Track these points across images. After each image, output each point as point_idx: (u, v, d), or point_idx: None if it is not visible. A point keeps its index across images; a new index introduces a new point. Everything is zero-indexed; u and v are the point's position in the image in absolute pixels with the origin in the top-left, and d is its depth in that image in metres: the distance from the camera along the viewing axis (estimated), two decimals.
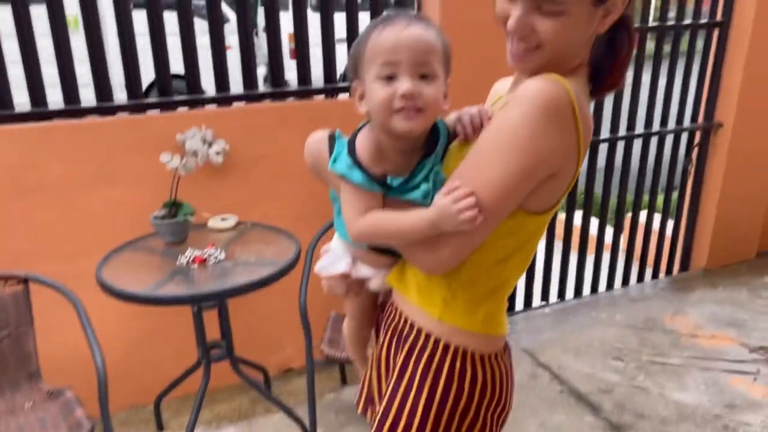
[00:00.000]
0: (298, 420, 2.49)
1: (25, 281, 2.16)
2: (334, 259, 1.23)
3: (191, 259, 2.20)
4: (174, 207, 2.33)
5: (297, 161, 2.76)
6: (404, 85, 0.98)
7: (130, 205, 2.45)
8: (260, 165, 2.63)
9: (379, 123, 1.03)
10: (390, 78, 0.99)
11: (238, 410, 2.75)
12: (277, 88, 2.65)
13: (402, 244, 1.08)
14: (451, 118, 1.14)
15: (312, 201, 2.75)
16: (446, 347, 1.11)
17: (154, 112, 2.48)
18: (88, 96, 2.43)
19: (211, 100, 2.54)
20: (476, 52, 2.78)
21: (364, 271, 1.22)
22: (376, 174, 1.04)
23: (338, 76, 2.81)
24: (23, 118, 2.32)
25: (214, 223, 2.50)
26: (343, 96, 2.76)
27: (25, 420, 2.01)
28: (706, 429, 2.58)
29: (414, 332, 1.14)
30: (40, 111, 2.33)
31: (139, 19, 2.37)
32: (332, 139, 1.11)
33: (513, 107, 0.97)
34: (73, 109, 2.37)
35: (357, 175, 1.03)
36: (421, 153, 1.08)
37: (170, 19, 2.42)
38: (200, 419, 2.62)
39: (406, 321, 1.17)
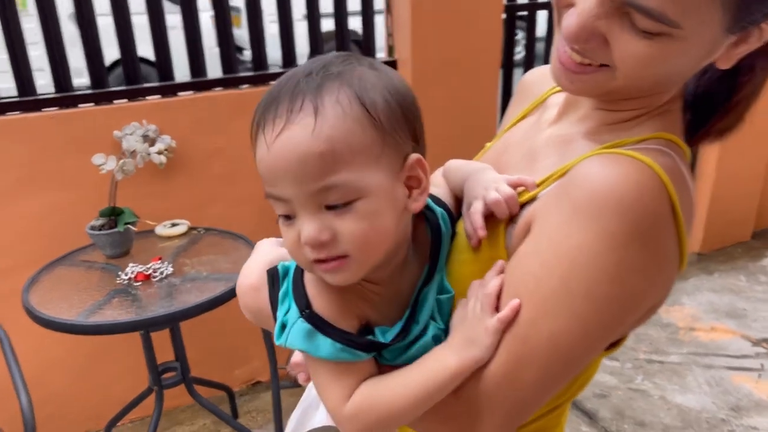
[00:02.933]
0: None
1: None
2: (307, 408, 0.92)
3: (133, 276, 1.92)
4: (113, 215, 2.04)
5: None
6: (304, 229, 0.62)
7: (63, 213, 2.15)
8: (212, 162, 2.33)
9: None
10: (288, 217, 0.64)
11: None
12: (230, 74, 2.35)
13: (422, 416, 0.68)
14: (437, 190, 0.79)
15: None
16: None
17: (87, 106, 2.17)
18: (5, 85, 2.11)
19: (154, 90, 2.23)
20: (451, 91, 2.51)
21: None
22: (353, 331, 0.68)
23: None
24: None
25: (163, 230, 2.21)
26: None
27: None
28: None
29: None
30: None
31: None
32: (272, 280, 0.74)
33: (579, 220, 0.62)
34: None
35: (325, 347, 0.66)
36: (420, 263, 0.72)
37: None
38: None
39: None
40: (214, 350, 2.53)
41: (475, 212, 0.71)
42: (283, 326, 0.69)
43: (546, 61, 3.00)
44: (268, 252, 0.82)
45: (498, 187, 0.71)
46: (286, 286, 0.71)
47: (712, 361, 2.81)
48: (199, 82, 2.30)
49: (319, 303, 0.68)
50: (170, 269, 1.95)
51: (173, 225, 2.23)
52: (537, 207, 0.68)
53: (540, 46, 3.02)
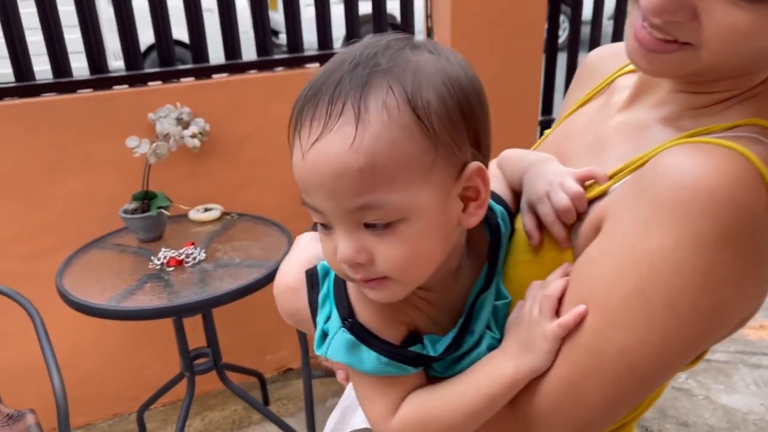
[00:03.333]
0: None
1: None
2: (346, 410, 0.86)
3: (166, 261, 1.89)
4: (146, 199, 2.01)
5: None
6: (340, 247, 0.55)
7: (97, 196, 2.13)
8: (246, 146, 2.29)
9: None
10: (326, 226, 0.58)
11: (232, 418, 2.47)
12: (265, 57, 2.30)
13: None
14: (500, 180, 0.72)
15: None
16: None
17: (121, 88, 2.14)
18: (41, 68, 2.08)
19: (188, 73, 2.19)
20: (492, 76, 2.42)
21: None
22: (400, 339, 0.61)
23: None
24: None
25: (196, 214, 2.18)
26: None
27: None
28: None
29: None
30: None
31: None
32: (311, 282, 0.68)
33: (661, 220, 0.53)
34: (25, 85, 2.03)
35: (369, 360, 0.60)
36: (476, 267, 0.65)
37: None
38: (190, 429, 2.37)
39: None
40: (245, 336, 2.51)
41: (552, 226, 0.64)
42: (324, 335, 0.63)
43: (591, 47, 2.90)
44: (307, 248, 0.76)
45: (563, 182, 0.63)
46: (327, 288, 0.65)
47: (761, 360, 2.69)
48: (234, 64, 2.26)
49: (363, 311, 0.61)
50: (203, 255, 1.92)
51: (206, 210, 2.20)
52: (608, 203, 0.61)
53: (585, 30, 2.91)
